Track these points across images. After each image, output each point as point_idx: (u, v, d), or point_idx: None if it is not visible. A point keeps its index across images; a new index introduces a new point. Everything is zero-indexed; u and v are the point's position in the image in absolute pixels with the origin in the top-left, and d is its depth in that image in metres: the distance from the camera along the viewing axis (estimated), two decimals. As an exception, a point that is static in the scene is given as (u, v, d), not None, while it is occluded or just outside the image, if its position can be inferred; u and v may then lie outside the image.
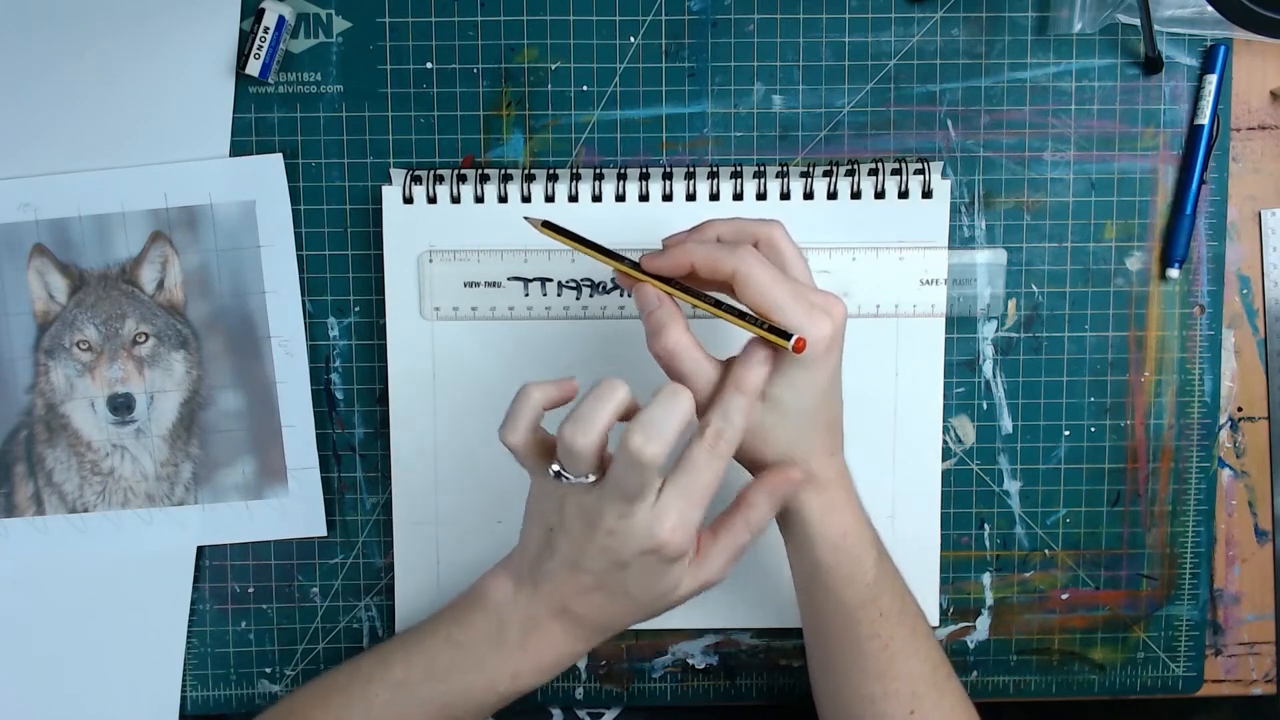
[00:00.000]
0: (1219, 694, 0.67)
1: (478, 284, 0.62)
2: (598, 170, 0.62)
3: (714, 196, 0.61)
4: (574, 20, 0.62)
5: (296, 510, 0.64)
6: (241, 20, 0.61)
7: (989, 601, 0.66)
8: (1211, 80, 0.62)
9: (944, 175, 0.62)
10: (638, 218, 0.62)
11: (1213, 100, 0.62)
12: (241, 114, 0.62)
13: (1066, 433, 0.64)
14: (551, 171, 0.62)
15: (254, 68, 0.61)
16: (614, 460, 0.47)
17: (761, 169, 0.62)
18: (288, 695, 0.57)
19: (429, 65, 0.62)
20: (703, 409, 0.50)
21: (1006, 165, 0.63)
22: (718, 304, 0.50)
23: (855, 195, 0.61)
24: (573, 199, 0.62)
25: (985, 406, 0.64)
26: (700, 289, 0.52)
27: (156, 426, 0.64)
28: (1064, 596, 0.66)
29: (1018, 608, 0.66)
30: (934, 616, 0.65)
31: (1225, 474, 0.65)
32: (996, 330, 0.64)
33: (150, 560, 0.65)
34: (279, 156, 0.62)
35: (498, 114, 0.63)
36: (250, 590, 0.65)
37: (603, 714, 0.68)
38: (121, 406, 0.64)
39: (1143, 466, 0.65)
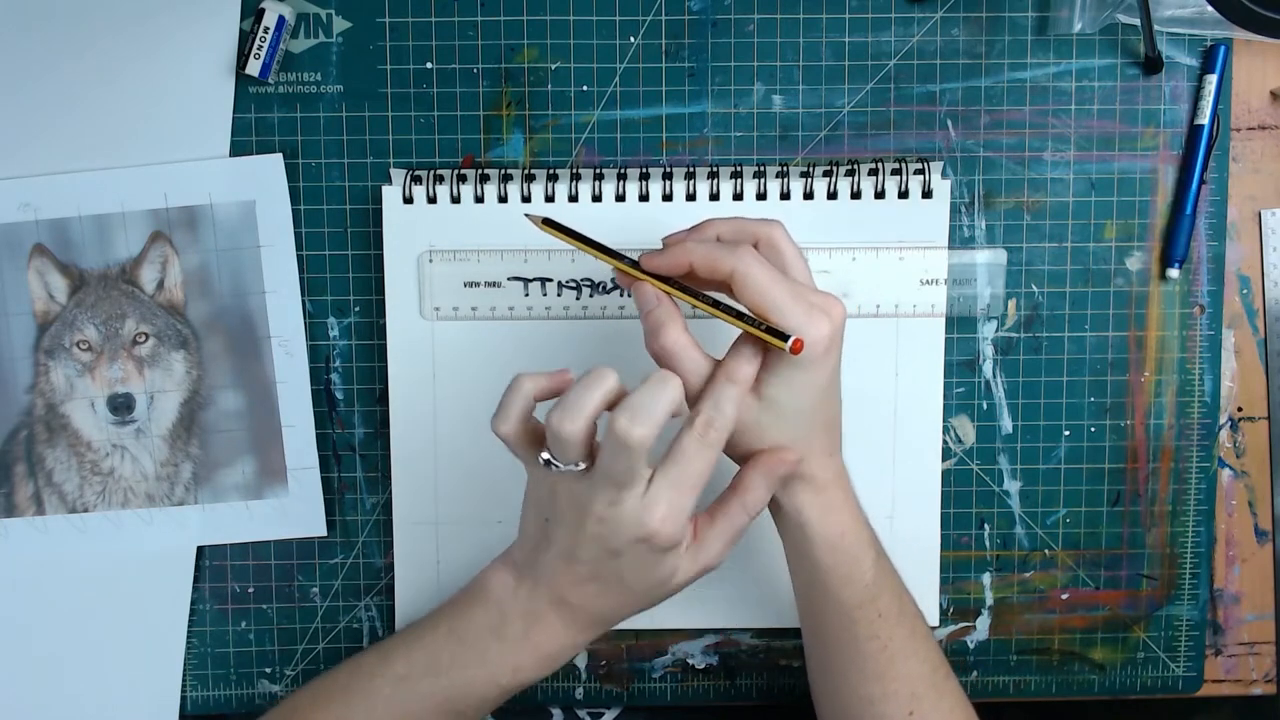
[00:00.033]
0: (1219, 694, 0.67)
1: (478, 284, 0.62)
2: (598, 170, 0.62)
3: (714, 196, 0.61)
4: (574, 20, 0.62)
5: (296, 510, 0.64)
6: (241, 20, 0.61)
7: (989, 601, 0.66)
8: (1211, 80, 0.62)
9: (944, 175, 0.62)
10: (638, 218, 0.62)
11: (1213, 100, 0.62)
12: (241, 114, 0.63)
13: (1066, 433, 0.64)
14: (551, 171, 0.62)
15: (254, 68, 0.61)
16: (602, 445, 0.47)
17: (761, 169, 0.62)
18: (289, 695, 0.57)
19: (429, 65, 0.62)
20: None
21: (1006, 165, 0.63)
22: (716, 304, 0.50)
23: (855, 195, 0.61)
24: (573, 199, 0.62)
25: (985, 406, 0.64)
26: (699, 288, 0.52)
27: (156, 426, 0.64)
28: (1064, 596, 0.66)
29: (1018, 608, 0.66)
30: (934, 617, 0.65)
31: (1225, 474, 0.65)
32: (996, 330, 0.64)
33: (150, 560, 0.65)
34: (279, 156, 0.62)
35: (498, 114, 0.63)
36: (250, 590, 0.65)
37: (603, 714, 0.68)
38: (121, 406, 0.64)
39: (1143, 466, 0.65)
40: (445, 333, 0.63)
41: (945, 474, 0.64)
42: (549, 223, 0.55)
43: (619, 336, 0.63)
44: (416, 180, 0.61)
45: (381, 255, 0.62)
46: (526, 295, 0.62)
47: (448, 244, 0.62)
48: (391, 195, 0.62)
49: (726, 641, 0.66)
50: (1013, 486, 0.65)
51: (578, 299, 0.62)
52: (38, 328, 0.63)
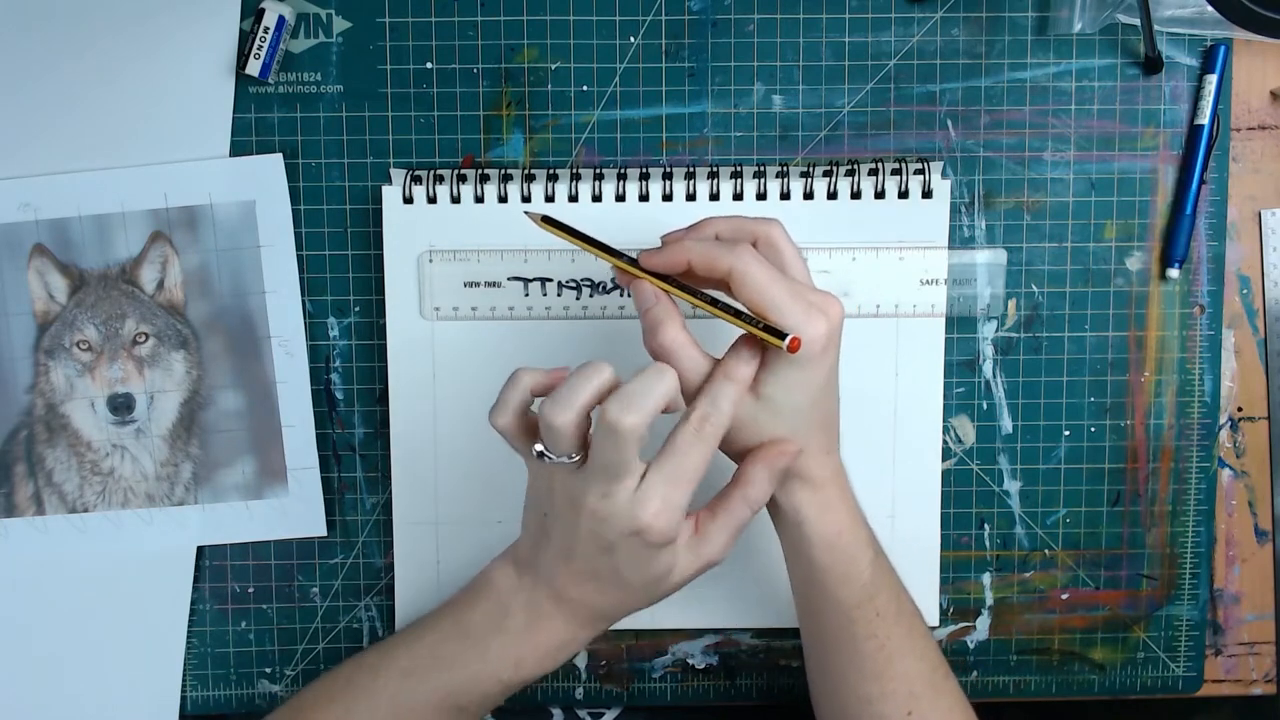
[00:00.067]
0: (1219, 694, 0.67)
1: (478, 284, 0.62)
2: (598, 170, 0.62)
3: (714, 196, 0.61)
4: (574, 20, 0.62)
5: (296, 510, 0.64)
6: (241, 20, 0.62)
7: (989, 601, 0.66)
8: (1211, 80, 0.62)
9: (944, 175, 0.62)
10: (638, 218, 0.62)
11: (1213, 100, 0.62)
12: (241, 114, 0.63)
13: (1066, 433, 0.64)
14: (551, 171, 0.62)
15: (254, 68, 0.61)
16: (593, 434, 0.47)
17: (761, 169, 0.62)
18: (294, 695, 0.57)
19: (429, 65, 0.62)
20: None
21: (1006, 165, 0.63)
22: (715, 302, 0.50)
23: (855, 195, 0.61)
24: (573, 199, 0.62)
25: (985, 406, 0.64)
26: (698, 287, 0.52)
27: (156, 426, 0.64)
28: (1064, 596, 0.66)
29: (1018, 608, 0.66)
30: (934, 616, 0.65)
31: (1225, 474, 0.65)
32: (996, 330, 0.64)
33: (150, 560, 0.65)
34: (279, 156, 0.62)
35: (498, 114, 0.63)
36: (250, 590, 0.65)
37: (603, 714, 0.68)
38: (121, 406, 0.64)
39: (1143, 466, 0.65)
40: (445, 333, 0.63)
41: (945, 474, 0.64)
42: (548, 220, 0.55)
43: (619, 336, 0.63)
44: (416, 180, 0.61)
45: (381, 255, 0.62)
46: (526, 295, 0.62)
47: (448, 244, 0.62)
48: (391, 195, 0.62)
49: (726, 641, 0.66)
50: (1013, 486, 0.65)
51: (578, 299, 0.62)
52: (38, 328, 0.63)
